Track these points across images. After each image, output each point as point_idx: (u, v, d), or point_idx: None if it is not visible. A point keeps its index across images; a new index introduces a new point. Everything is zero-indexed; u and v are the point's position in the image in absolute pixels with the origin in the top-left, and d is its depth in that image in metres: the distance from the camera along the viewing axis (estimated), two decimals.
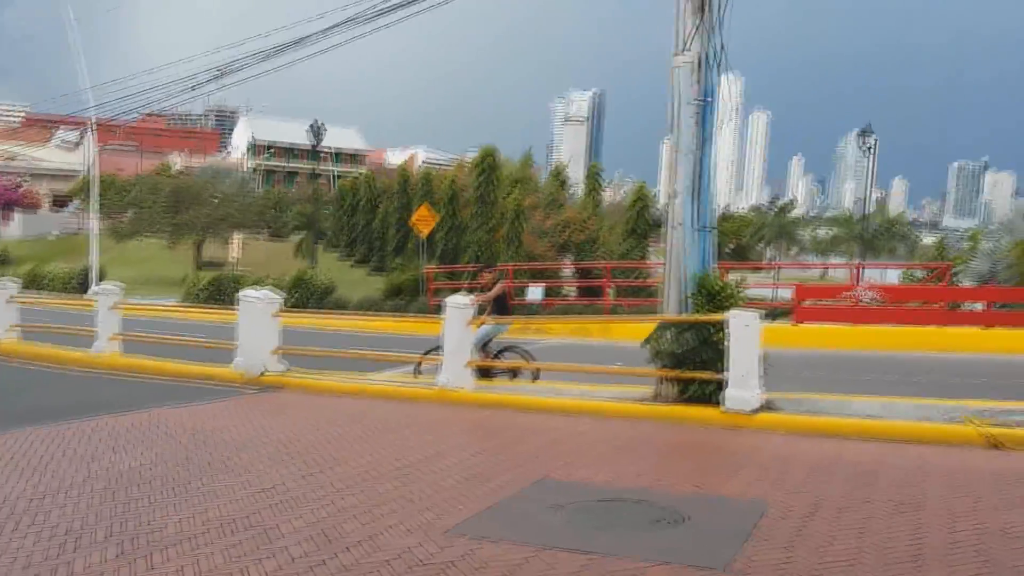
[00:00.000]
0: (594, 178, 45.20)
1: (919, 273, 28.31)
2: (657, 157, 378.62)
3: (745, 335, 9.19)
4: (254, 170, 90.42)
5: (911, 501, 6.37)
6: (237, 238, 43.53)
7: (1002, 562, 5.03)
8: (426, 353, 12.87)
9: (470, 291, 13.41)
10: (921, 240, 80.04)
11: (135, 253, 48.34)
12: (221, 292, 30.95)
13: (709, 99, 9.48)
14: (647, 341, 9.97)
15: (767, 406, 9.43)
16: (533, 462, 7.67)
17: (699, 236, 9.75)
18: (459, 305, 11.11)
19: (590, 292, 30.93)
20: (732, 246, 67.00)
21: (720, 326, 9.44)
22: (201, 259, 47.63)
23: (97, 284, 33.32)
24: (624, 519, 5.93)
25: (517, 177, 41.59)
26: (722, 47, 9.35)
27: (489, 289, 12.77)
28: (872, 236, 44.40)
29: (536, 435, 8.95)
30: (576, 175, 61.44)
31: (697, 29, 9.27)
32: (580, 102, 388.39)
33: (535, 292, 25.25)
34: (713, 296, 9.58)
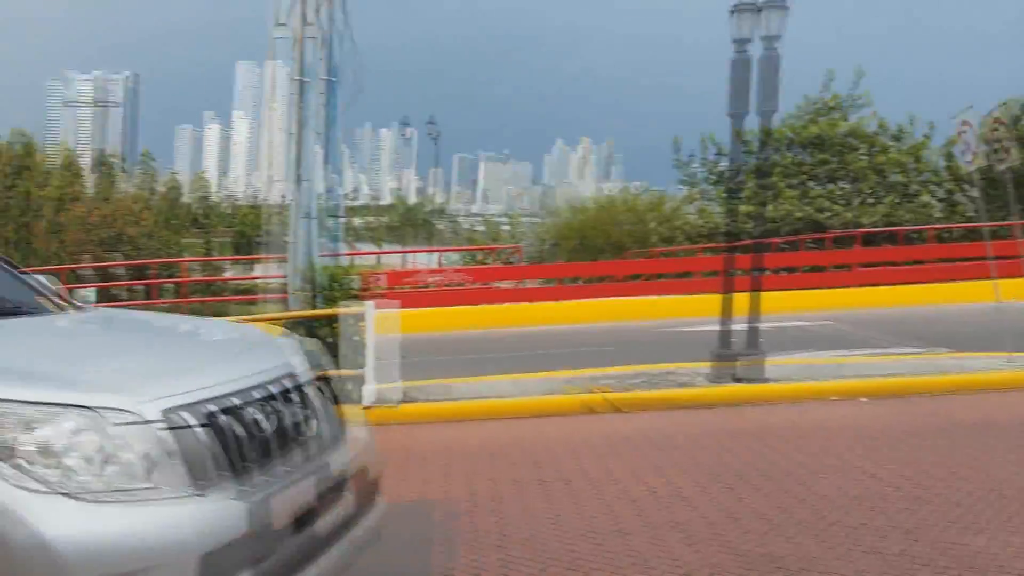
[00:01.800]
0: (136, 165, 41.44)
1: (458, 256, 29.90)
2: (173, 142, 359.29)
3: (379, 325, 8.79)
4: None
5: (563, 477, 6.56)
6: None
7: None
8: None
9: None
10: (461, 225, 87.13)
11: None
12: None
13: (331, 78, 8.82)
14: None
15: (406, 397, 9.16)
16: None
17: (306, 224, 9.10)
18: None
19: (147, 292, 28.33)
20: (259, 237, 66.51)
21: (336, 320, 8.95)
22: None
23: None
24: None
25: (46, 165, 36.34)
26: (344, 22, 8.71)
27: None
28: (423, 222, 47.22)
29: None
30: (86, 162, 55.75)
31: None
32: (83, 83, 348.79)
33: (85, 296, 22.54)
34: (330, 288, 9.03)
